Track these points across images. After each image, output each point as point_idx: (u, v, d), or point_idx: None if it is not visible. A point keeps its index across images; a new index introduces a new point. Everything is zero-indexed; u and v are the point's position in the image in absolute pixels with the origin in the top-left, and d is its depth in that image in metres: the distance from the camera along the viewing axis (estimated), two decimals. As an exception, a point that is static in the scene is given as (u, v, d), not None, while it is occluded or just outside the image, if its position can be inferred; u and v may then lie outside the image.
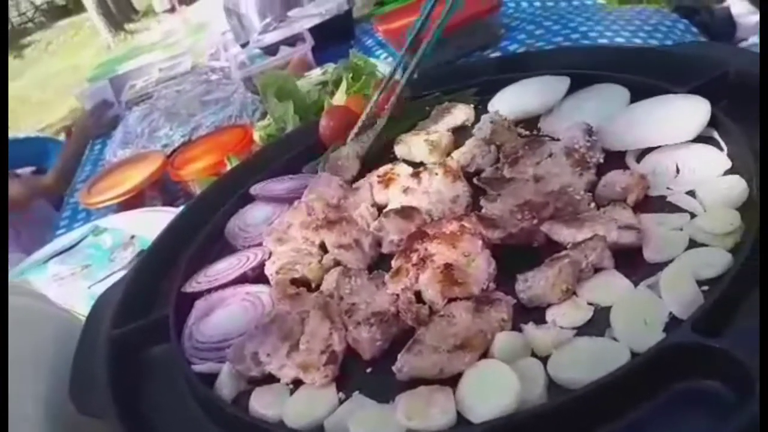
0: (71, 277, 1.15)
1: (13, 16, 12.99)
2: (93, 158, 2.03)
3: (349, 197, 0.68)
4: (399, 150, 0.76)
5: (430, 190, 0.65)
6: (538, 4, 1.61)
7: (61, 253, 1.26)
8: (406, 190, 0.66)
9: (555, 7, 1.57)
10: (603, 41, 1.30)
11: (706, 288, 0.43)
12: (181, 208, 1.27)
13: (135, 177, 1.42)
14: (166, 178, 1.41)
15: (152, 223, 1.24)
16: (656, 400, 0.39)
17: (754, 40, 3.42)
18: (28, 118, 6.44)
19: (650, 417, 0.38)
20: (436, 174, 0.66)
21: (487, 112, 0.77)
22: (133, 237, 1.18)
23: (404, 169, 0.70)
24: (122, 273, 1.09)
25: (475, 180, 0.60)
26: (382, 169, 0.72)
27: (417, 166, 0.71)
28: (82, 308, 1.04)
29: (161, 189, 1.43)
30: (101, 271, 1.12)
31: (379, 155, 0.77)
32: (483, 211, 0.55)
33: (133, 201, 1.39)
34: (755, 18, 3.54)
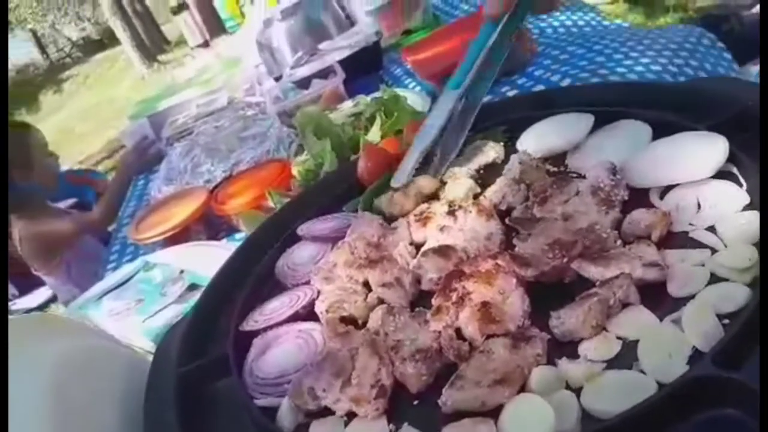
0: (126, 312, 1.22)
1: (52, 52, 13.51)
2: (137, 194, 2.12)
3: (389, 236, 0.73)
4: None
5: (465, 228, 0.69)
6: (562, 30, 1.64)
7: (114, 289, 1.33)
8: (442, 229, 0.71)
9: (579, 32, 1.61)
10: (628, 63, 1.33)
11: (726, 321, 0.46)
12: (233, 243, 1.34)
13: (181, 213, 1.49)
14: (209, 212, 1.48)
15: (199, 257, 1.31)
16: (682, 429, 0.42)
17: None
18: (71, 150, 6.67)
19: (677, 443, 0.42)
20: (470, 212, 0.70)
21: (515, 149, 0.81)
22: (182, 272, 1.25)
23: (440, 208, 0.75)
24: (174, 306, 1.16)
25: (507, 220, 0.64)
26: (418, 209, 0.77)
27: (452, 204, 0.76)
28: (138, 342, 1.11)
29: (205, 223, 1.50)
30: (154, 305, 1.18)
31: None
32: (516, 250, 0.60)
33: (180, 235, 1.46)
34: (785, 23, 3.47)
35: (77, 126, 8.18)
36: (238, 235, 1.43)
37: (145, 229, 1.52)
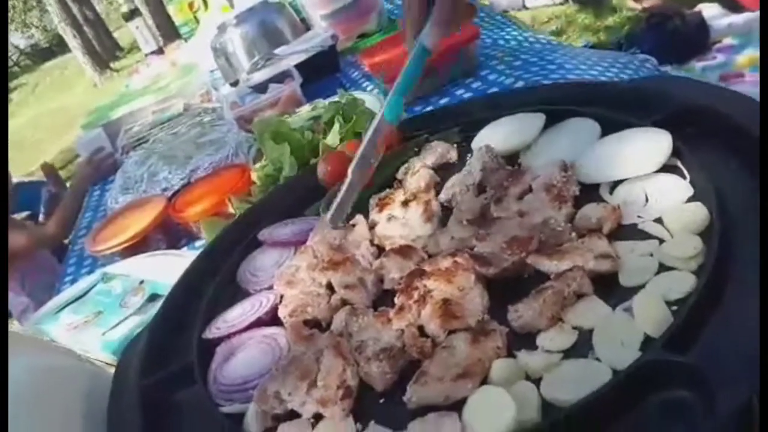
0: (84, 325, 1.19)
1: (-2, 62, 13.09)
2: (93, 205, 2.08)
3: (349, 236, 0.74)
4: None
5: (407, 222, 0.72)
6: (514, 43, 1.69)
7: (72, 302, 1.30)
8: (390, 219, 0.73)
9: (530, 46, 1.65)
10: (579, 72, 1.37)
11: (675, 308, 0.49)
12: (193, 251, 1.33)
13: (139, 222, 1.47)
14: (168, 221, 1.46)
15: (159, 266, 1.30)
16: (636, 412, 0.44)
17: (727, 41, 3.51)
18: (24, 160, 6.49)
19: (633, 427, 0.44)
20: (419, 208, 0.72)
21: (469, 148, 0.83)
22: (142, 282, 1.23)
23: (400, 196, 0.76)
24: (134, 318, 1.14)
25: (465, 221, 0.66)
26: (384, 192, 0.79)
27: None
28: (98, 355, 1.09)
29: (165, 232, 1.48)
30: (113, 317, 1.16)
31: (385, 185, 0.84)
32: (475, 249, 0.61)
33: (139, 245, 1.44)
34: (727, 20, 3.63)
35: (29, 135, 7.96)
36: (198, 243, 1.42)
37: (102, 240, 1.49)
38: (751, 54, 3.12)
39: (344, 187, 0.75)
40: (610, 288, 0.54)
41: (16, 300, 2.54)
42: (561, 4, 4.96)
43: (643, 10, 4.24)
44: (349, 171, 0.75)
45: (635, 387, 0.44)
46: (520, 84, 1.34)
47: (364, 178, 0.76)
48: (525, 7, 4.97)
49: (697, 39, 3.43)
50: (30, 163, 6.41)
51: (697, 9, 3.62)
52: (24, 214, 2.91)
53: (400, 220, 0.71)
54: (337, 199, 0.75)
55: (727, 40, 3.38)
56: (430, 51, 0.71)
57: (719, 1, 3.63)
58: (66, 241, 2.73)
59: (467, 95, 1.41)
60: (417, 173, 0.79)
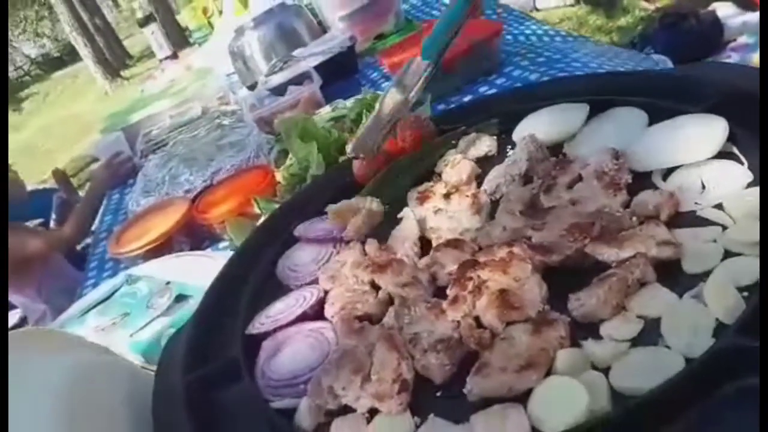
0: (112, 327, 1.19)
1: (10, 71, 13.20)
2: (112, 208, 2.08)
3: (395, 231, 0.72)
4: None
5: (454, 215, 0.70)
6: (534, 38, 1.68)
7: (97, 305, 1.30)
8: (437, 211, 0.71)
9: (551, 41, 1.64)
10: (607, 68, 1.36)
11: (745, 294, 0.47)
12: (223, 257, 1.32)
13: (162, 224, 1.47)
14: (192, 222, 1.46)
15: (184, 267, 1.29)
16: (711, 400, 0.42)
17: (742, 40, 3.49)
18: (36, 168, 6.52)
19: (707, 415, 0.42)
20: (467, 197, 0.71)
21: (510, 141, 0.82)
22: (168, 283, 1.22)
23: (441, 189, 0.75)
24: (161, 319, 1.13)
25: (518, 213, 0.64)
26: (423, 185, 0.78)
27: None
28: (126, 356, 1.08)
29: (188, 233, 1.47)
30: (140, 319, 1.16)
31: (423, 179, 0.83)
32: (533, 240, 0.60)
33: (163, 247, 1.44)
34: (741, 19, 3.61)
35: (41, 144, 8.00)
36: (222, 244, 1.41)
37: (126, 243, 1.49)
38: (768, 52, 3.09)
39: (372, 115, 0.74)
40: (673, 275, 0.52)
41: (32, 306, 2.54)
42: (572, 5, 4.94)
43: (656, 10, 4.23)
44: (378, 101, 0.74)
45: (710, 374, 0.43)
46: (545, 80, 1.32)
47: (397, 111, 0.75)
48: (536, 9, 4.96)
49: (711, 38, 3.41)
50: (42, 171, 6.44)
51: (711, 8, 3.60)
52: (36, 221, 2.92)
53: (446, 213, 0.69)
54: (363, 128, 0.74)
55: (742, 39, 3.36)
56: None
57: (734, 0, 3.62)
58: (78, 247, 2.74)
59: (491, 92, 1.40)
60: (458, 165, 0.77)
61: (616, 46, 3.83)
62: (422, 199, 0.75)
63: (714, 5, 3.63)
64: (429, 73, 0.78)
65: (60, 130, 8.54)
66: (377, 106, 0.76)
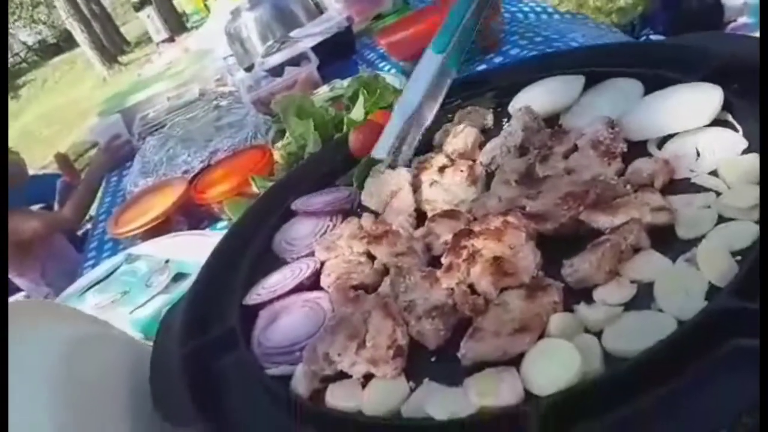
0: (111, 305, 1.19)
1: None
2: (111, 190, 2.08)
3: (393, 202, 0.72)
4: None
5: (449, 188, 0.70)
6: (532, 16, 1.66)
7: (97, 283, 1.30)
8: (432, 183, 0.71)
9: (549, 19, 1.63)
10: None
11: (739, 258, 0.47)
12: (216, 230, 1.33)
13: (161, 204, 1.46)
14: (190, 202, 1.46)
15: (183, 246, 1.29)
16: (705, 361, 0.43)
17: (742, 20, 3.47)
18: (36, 155, 6.51)
19: (700, 376, 0.42)
20: (462, 171, 0.71)
21: (506, 114, 0.82)
22: (167, 261, 1.22)
23: (439, 161, 0.75)
24: (161, 297, 1.13)
25: (514, 181, 0.64)
26: (424, 156, 0.78)
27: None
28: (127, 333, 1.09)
29: (186, 213, 1.47)
30: (140, 297, 1.16)
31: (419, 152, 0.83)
32: (528, 209, 0.60)
33: (161, 227, 1.44)
34: (742, -1, 3.57)
35: (40, 130, 7.98)
36: (220, 224, 1.41)
37: (125, 223, 1.49)
38: None
39: (414, 126, 0.76)
40: (667, 241, 0.52)
41: (36, 289, 2.55)
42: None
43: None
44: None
45: (704, 335, 0.43)
46: (544, 58, 1.32)
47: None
48: (536, -11, 4.92)
49: (711, 18, 3.38)
50: (42, 157, 6.43)
51: (712, -14, 3.57)
52: (38, 206, 2.92)
53: (443, 185, 0.69)
54: (406, 148, 0.77)
55: (742, 19, 3.33)
56: None
57: (733, -21, 3.59)
58: (80, 232, 2.74)
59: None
60: (462, 133, 0.77)
61: (615, 26, 3.81)
62: (420, 169, 0.75)
63: (716, -16, 3.61)
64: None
65: (58, 116, 8.51)
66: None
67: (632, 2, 4.28)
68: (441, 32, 0.78)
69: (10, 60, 13.07)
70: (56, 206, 2.88)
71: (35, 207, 2.85)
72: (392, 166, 0.77)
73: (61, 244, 2.53)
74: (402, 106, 0.80)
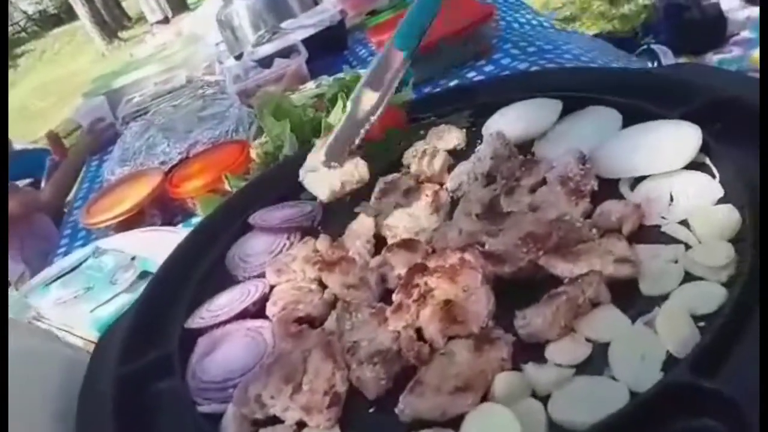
0: (73, 301, 1.15)
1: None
2: (90, 176, 2.04)
3: (352, 225, 0.69)
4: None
5: (413, 213, 0.67)
6: (528, 27, 1.63)
7: (63, 275, 1.27)
8: (396, 206, 0.68)
9: (544, 31, 1.59)
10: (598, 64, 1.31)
11: (702, 324, 0.44)
12: (187, 229, 1.29)
13: (135, 195, 1.42)
14: (164, 195, 1.42)
15: (151, 243, 1.25)
16: (655, 440, 0.39)
17: (744, 34, 3.43)
18: (28, 128, 6.44)
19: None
20: (427, 196, 0.67)
21: (480, 134, 0.78)
22: (133, 258, 1.19)
23: (405, 182, 0.72)
24: (124, 296, 1.10)
25: (475, 216, 0.60)
26: (390, 177, 0.74)
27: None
28: (85, 331, 1.05)
29: (161, 207, 1.43)
30: (103, 294, 1.12)
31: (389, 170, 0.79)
32: (486, 246, 0.56)
33: (133, 219, 1.40)
34: (745, 13, 3.55)
35: (35, 103, 7.89)
36: (194, 220, 1.37)
37: (96, 213, 1.45)
38: (768, 49, 3.04)
39: (342, 119, 0.68)
40: (629, 296, 0.49)
41: (14, 267, 2.51)
42: (574, -10, 4.85)
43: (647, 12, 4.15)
44: (349, 101, 0.68)
45: (656, 412, 0.40)
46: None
47: (372, 111, 0.69)
48: (542, -12, 4.86)
49: (714, 30, 3.35)
50: (34, 130, 6.35)
51: (714, 0, 3.54)
52: (26, 181, 2.88)
53: (406, 210, 0.66)
54: (333, 133, 0.68)
55: (745, 33, 3.30)
56: None
57: (738, -8, 3.55)
58: (66, 210, 2.70)
59: (479, 78, 1.35)
60: (431, 155, 0.73)
61: (617, 33, 3.76)
62: (384, 191, 0.71)
63: (717, -3, 3.57)
64: (406, 67, 0.71)
65: (55, 89, 8.41)
66: (349, 105, 0.71)
67: (636, 10, 4.23)
68: (403, 27, 0.71)
69: (10, 28, 12.94)
70: (44, 183, 2.85)
71: (23, 182, 2.81)
72: (326, 165, 0.71)
73: (43, 223, 2.49)
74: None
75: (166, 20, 2.96)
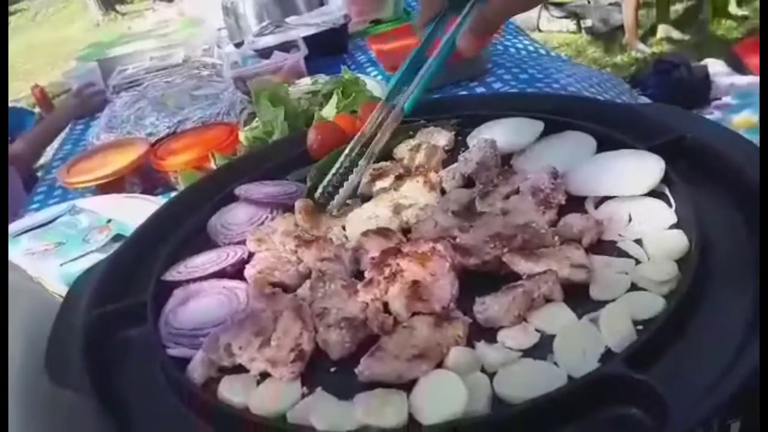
0: (44, 253, 1.16)
1: (2, -17, 12.78)
2: (74, 138, 2.04)
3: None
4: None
5: (409, 195, 0.72)
6: (524, 52, 1.69)
7: (35, 228, 1.27)
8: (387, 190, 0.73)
9: (538, 57, 1.66)
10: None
11: (640, 327, 0.48)
12: (167, 199, 1.31)
13: (118, 161, 1.44)
14: (148, 166, 1.43)
15: (129, 209, 1.27)
16: (586, 421, 0.44)
17: (726, 99, 3.56)
18: (12, 86, 6.31)
19: (580, 433, 0.43)
20: (417, 182, 0.73)
21: (464, 143, 0.83)
22: (109, 221, 1.20)
23: (396, 169, 0.77)
24: (95, 255, 1.11)
25: (449, 212, 0.65)
26: (379, 165, 0.78)
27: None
28: (52, 284, 1.06)
29: (142, 176, 1.45)
30: (74, 251, 1.14)
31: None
32: (457, 240, 0.60)
33: (113, 185, 1.41)
34: (730, 79, 3.69)
35: (22, 63, 7.76)
36: (174, 194, 1.39)
37: (77, 173, 1.46)
38: (748, 116, 3.17)
39: (353, 177, 0.72)
40: (579, 299, 0.53)
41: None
42: (574, 32, 5.00)
43: (652, 54, 4.30)
44: (362, 161, 0.72)
45: (589, 396, 0.44)
46: (522, 96, 1.33)
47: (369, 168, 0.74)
48: (539, 29, 4.99)
49: (699, 91, 3.49)
50: (17, 90, 6.25)
51: (703, 63, 3.68)
52: (4, 139, 2.83)
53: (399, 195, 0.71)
54: (344, 189, 0.73)
55: (727, 99, 3.44)
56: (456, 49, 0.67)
57: (726, 59, 3.70)
58: (37, 173, 2.66)
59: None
60: (426, 148, 0.78)
61: (607, 80, 3.88)
62: (375, 176, 0.76)
63: (707, 61, 3.72)
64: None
65: (42, 52, 8.30)
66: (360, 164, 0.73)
67: (627, 61, 4.38)
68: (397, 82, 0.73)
69: (6, -16, 12.72)
70: None
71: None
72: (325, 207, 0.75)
73: (12, 178, 2.45)
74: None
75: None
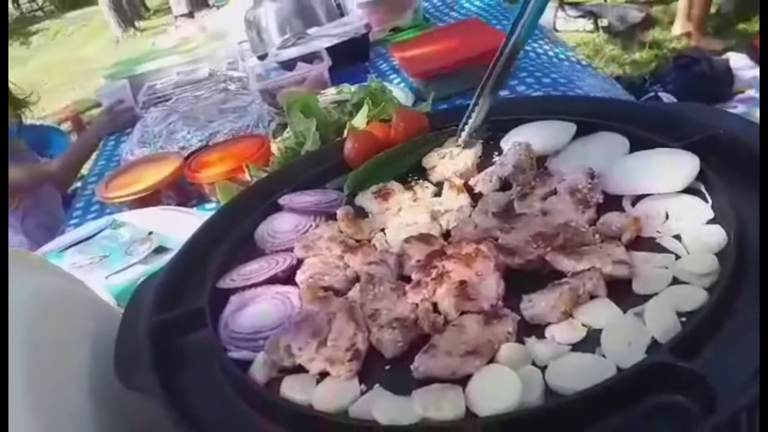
0: (89, 266, 1.21)
1: (23, 2, 13.08)
2: (107, 154, 2.09)
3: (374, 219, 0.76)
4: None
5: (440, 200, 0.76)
6: (545, 58, 1.70)
7: (78, 243, 1.32)
8: (415, 199, 0.77)
9: (560, 64, 1.67)
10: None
11: (684, 319, 0.51)
12: (204, 210, 1.35)
13: (153, 176, 1.48)
14: (182, 179, 1.48)
15: (168, 221, 1.31)
16: (635, 409, 0.46)
17: (750, 93, 3.52)
18: (37, 104, 6.45)
19: (629, 423, 0.45)
20: (427, 188, 0.78)
21: (497, 147, 0.85)
22: (151, 233, 1.24)
23: (397, 186, 0.82)
24: (138, 267, 1.15)
25: (489, 214, 0.67)
26: (375, 187, 0.83)
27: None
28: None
29: (177, 190, 1.49)
30: (118, 263, 1.18)
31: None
32: (499, 240, 0.63)
33: (150, 198, 1.46)
34: (753, 72, 3.65)
35: (44, 81, 7.93)
36: (209, 205, 1.43)
37: (115, 188, 1.50)
38: (772, 109, 3.14)
39: (479, 108, 0.82)
40: (622, 293, 0.55)
41: (13, 239, 2.53)
42: (591, 32, 4.98)
43: (672, 49, 4.27)
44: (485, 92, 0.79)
45: (637, 385, 0.46)
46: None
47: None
48: (555, 30, 4.99)
49: (721, 85, 3.46)
50: (41, 108, 6.39)
51: (725, 56, 3.65)
52: (29, 156, 2.91)
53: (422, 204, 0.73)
54: (472, 120, 0.82)
55: (750, 92, 3.41)
56: None
57: (747, 52, 3.67)
58: (70, 191, 2.73)
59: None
60: (462, 154, 0.82)
61: (627, 78, 3.87)
62: (380, 196, 0.81)
63: (728, 54, 3.69)
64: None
65: (64, 70, 8.47)
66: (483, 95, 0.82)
67: (647, 57, 4.35)
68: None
69: (26, 5, 13.01)
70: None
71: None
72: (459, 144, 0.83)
73: (50, 197, 2.51)
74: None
75: (191, 14, 3.05)
